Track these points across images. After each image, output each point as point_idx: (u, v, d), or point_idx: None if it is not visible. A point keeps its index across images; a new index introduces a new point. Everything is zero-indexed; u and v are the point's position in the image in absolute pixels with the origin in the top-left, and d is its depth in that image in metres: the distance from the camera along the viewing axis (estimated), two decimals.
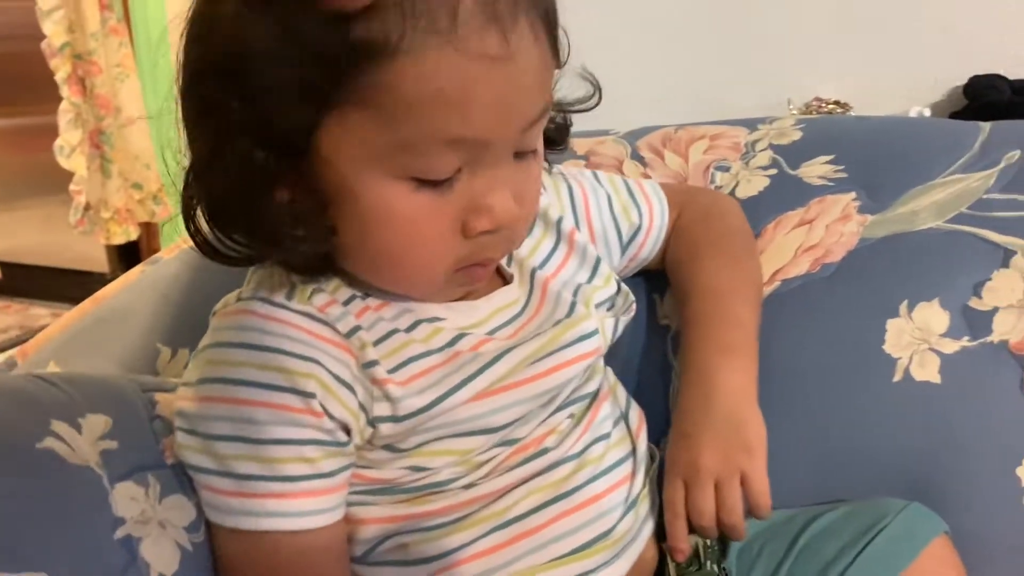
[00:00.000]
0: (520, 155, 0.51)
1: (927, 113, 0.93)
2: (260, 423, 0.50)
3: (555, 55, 0.51)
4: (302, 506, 0.51)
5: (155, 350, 0.74)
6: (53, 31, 2.47)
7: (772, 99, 1.00)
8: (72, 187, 2.56)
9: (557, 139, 0.59)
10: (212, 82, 0.48)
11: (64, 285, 3.03)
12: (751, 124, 0.87)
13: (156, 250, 3.04)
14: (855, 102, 0.96)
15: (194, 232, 0.52)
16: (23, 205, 3.05)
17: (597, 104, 0.59)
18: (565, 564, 0.57)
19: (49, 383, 0.53)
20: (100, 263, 2.98)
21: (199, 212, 0.51)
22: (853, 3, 0.97)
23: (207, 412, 0.52)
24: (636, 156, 0.86)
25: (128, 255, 2.90)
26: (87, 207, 2.61)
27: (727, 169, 0.82)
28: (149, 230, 2.84)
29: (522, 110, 0.49)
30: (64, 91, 2.50)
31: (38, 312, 2.99)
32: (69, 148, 2.54)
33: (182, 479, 0.53)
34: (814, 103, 0.96)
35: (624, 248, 0.70)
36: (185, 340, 0.75)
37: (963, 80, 0.93)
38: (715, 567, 0.61)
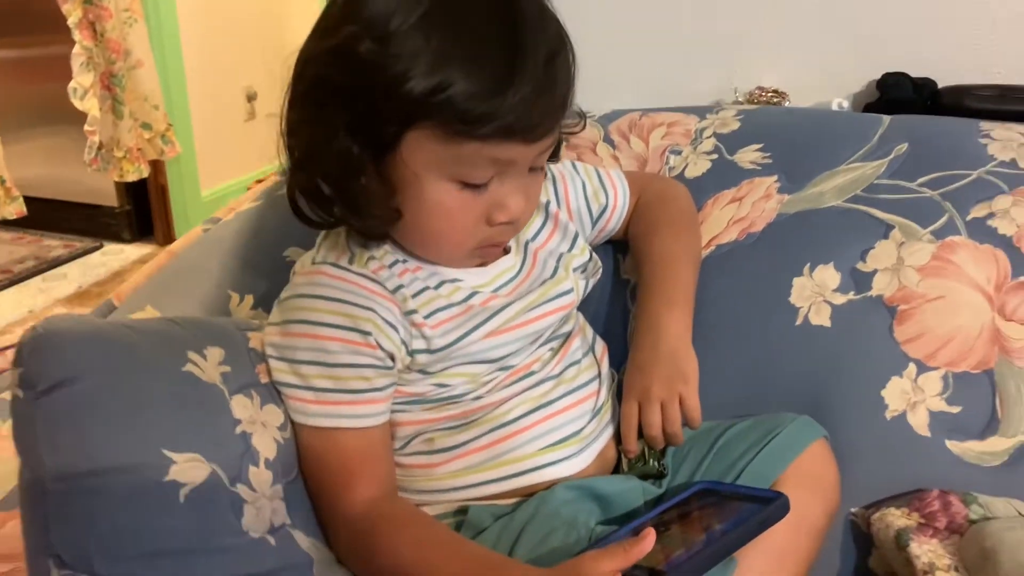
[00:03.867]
0: (532, 169, 0.72)
1: (846, 104, 1.12)
2: (332, 352, 0.72)
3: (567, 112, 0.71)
4: (362, 411, 0.73)
5: (227, 296, 0.94)
6: None
7: (723, 86, 1.20)
8: (86, 127, 2.71)
9: (554, 153, 0.79)
10: (331, 97, 0.68)
11: (75, 218, 3.20)
12: (701, 113, 1.07)
13: (163, 186, 3.19)
14: (791, 91, 1.15)
15: (295, 206, 0.73)
16: (33, 135, 3.16)
17: (582, 130, 0.79)
18: (545, 453, 0.78)
19: (178, 324, 0.73)
20: (110, 197, 3.14)
21: (298, 193, 0.72)
22: (789, 8, 1.16)
23: (293, 344, 0.73)
24: (608, 139, 1.06)
25: (136, 190, 3.07)
26: (100, 146, 2.76)
27: (679, 153, 1.02)
28: (156, 167, 3.01)
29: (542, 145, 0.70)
30: (76, 35, 2.63)
31: (51, 243, 3.15)
32: (83, 90, 2.67)
33: (273, 393, 0.74)
34: (756, 91, 1.15)
35: (594, 223, 0.91)
36: (249, 288, 0.96)
37: (877, 75, 1.13)
38: (656, 463, 0.83)
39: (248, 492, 0.67)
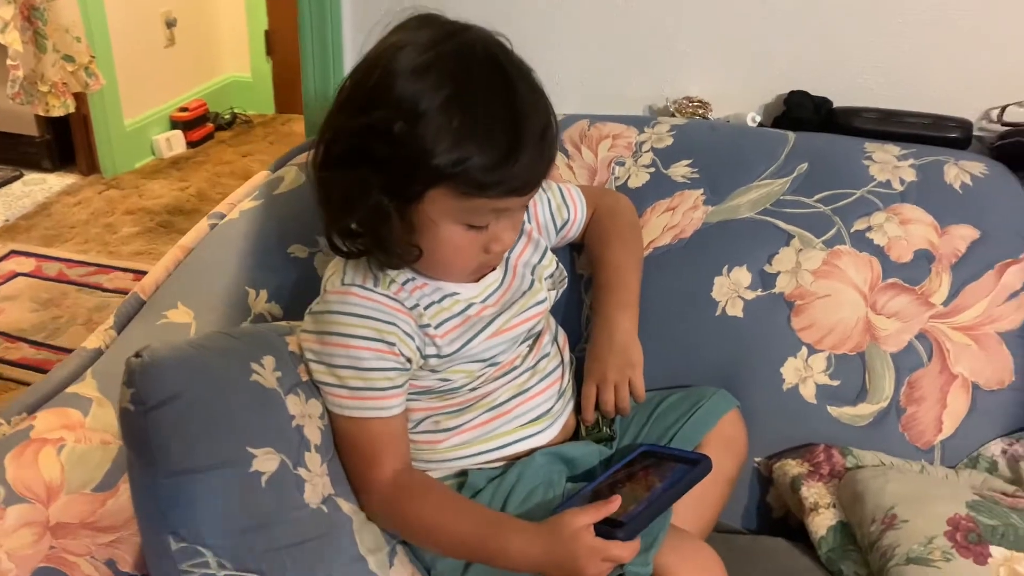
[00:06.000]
0: (521, 207, 0.91)
1: (758, 118, 1.33)
2: (364, 359, 0.90)
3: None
4: (387, 404, 0.92)
5: (244, 291, 1.10)
6: None
7: (655, 92, 1.39)
8: (9, 62, 2.71)
9: None
10: (366, 162, 0.83)
11: None
12: (640, 125, 1.26)
13: (86, 116, 3.19)
14: (713, 100, 1.35)
15: (332, 242, 0.90)
16: None
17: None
18: (524, 428, 1.00)
19: (235, 338, 0.90)
20: (29, 125, 3.13)
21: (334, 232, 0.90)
22: (712, 29, 1.35)
23: (331, 352, 0.90)
24: (562, 148, 1.24)
25: (57, 119, 3.05)
26: (23, 79, 2.75)
27: (623, 164, 1.22)
28: (78, 97, 3.01)
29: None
30: None
31: None
32: (3, 23, 2.65)
33: (312, 389, 0.92)
34: (684, 101, 1.34)
35: (557, 233, 1.10)
36: (262, 283, 1.12)
37: (784, 91, 1.33)
38: (607, 429, 1.05)
39: (306, 472, 0.86)
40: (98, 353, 1.04)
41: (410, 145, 0.82)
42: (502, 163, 0.83)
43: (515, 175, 0.84)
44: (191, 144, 3.47)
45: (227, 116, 3.65)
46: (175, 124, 3.45)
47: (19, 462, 0.85)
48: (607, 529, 0.86)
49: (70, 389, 0.96)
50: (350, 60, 1.49)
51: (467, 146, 0.82)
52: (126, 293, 2.49)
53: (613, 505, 0.87)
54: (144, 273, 2.59)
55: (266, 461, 0.83)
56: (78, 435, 0.89)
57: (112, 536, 0.86)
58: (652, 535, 0.89)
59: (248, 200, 1.21)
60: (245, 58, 3.76)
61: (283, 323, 1.00)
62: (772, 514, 1.12)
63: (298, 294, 1.13)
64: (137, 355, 0.80)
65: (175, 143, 3.42)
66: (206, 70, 3.67)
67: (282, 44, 3.72)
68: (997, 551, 0.89)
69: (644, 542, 0.88)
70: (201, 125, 3.51)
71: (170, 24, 3.38)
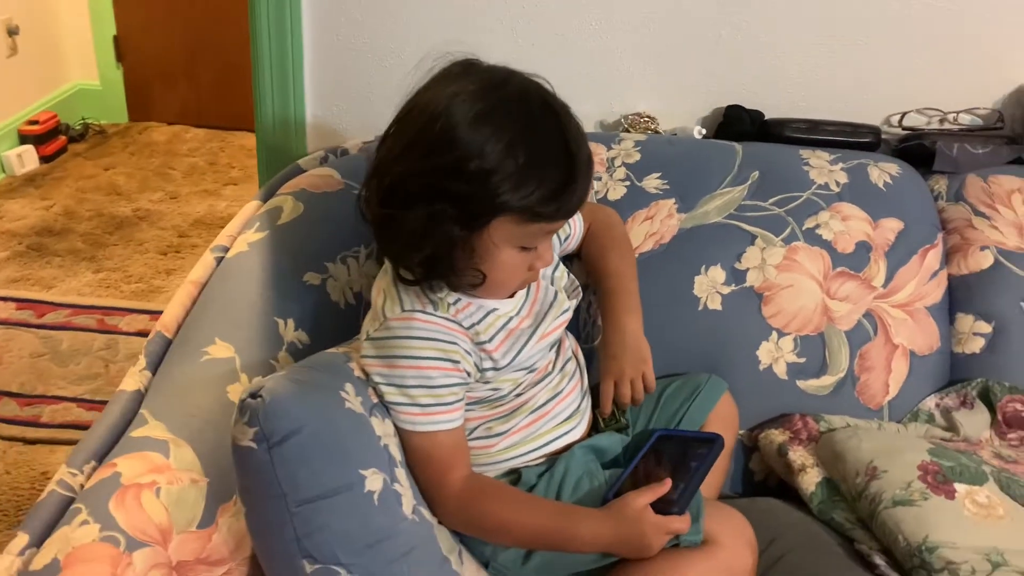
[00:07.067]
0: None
1: (704, 131, 1.50)
2: (433, 378, 0.98)
3: None
4: (452, 416, 1.01)
5: (275, 322, 1.15)
6: None
7: (605, 109, 1.53)
8: None
9: None
10: (441, 198, 0.92)
11: None
12: (606, 141, 1.40)
13: None
14: (659, 115, 1.50)
15: (397, 273, 0.99)
16: None
17: None
18: (561, 426, 1.11)
19: (313, 369, 0.96)
20: None
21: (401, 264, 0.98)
22: (656, 47, 1.50)
23: (401, 374, 0.98)
24: None
25: None
26: None
27: (600, 179, 1.35)
28: None
29: None
30: None
31: None
32: None
33: (382, 408, 0.99)
34: (634, 116, 1.49)
35: (560, 245, 1.22)
36: (287, 313, 1.16)
37: (721, 104, 1.50)
38: (622, 419, 1.18)
39: (399, 487, 0.94)
40: (138, 394, 1.06)
41: (482, 182, 0.91)
42: (560, 193, 0.94)
43: (570, 203, 0.95)
44: (44, 159, 3.29)
45: (78, 127, 3.48)
46: (25, 138, 3.26)
47: (125, 509, 0.88)
48: (661, 507, 1.00)
49: (136, 433, 0.98)
50: (311, 87, 1.53)
51: (531, 181, 0.92)
52: (9, 324, 2.39)
53: (666, 486, 1.00)
54: (27, 301, 2.50)
55: (374, 480, 0.90)
56: (169, 477, 0.92)
57: (224, 568, 0.90)
58: (696, 507, 1.03)
59: (252, 232, 1.24)
60: (92, 65, 3.59)
61: (337, 350, 1.06)
62: (754, 478, 1.29)
63: (318, 319, 1.19)
64: (254, 396, 0.85)
65: (27, 159, 3.24)
66: (52, 79, 3.48)
67: (133, 50, 3.59)
68: (960, 487, 1.10)
69: (691, 513, 1.02)
70: (53, 138, 3.33)
71: (12, 32, 3.18)
